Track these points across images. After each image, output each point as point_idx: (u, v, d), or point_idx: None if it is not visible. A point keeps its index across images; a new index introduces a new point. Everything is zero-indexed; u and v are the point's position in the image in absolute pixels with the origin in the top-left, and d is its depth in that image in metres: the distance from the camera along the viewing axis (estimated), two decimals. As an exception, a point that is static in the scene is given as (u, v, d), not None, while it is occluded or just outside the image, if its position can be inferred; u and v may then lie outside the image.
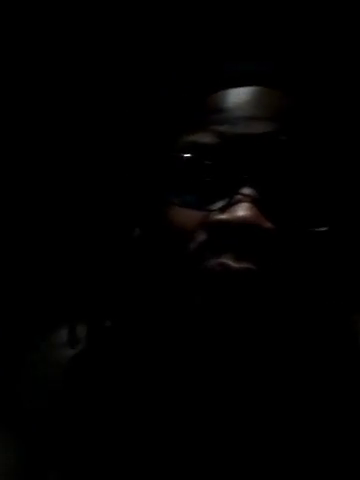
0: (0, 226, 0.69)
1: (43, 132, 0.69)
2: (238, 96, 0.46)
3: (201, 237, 0.42)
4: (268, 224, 0.41)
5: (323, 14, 0.58)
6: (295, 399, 0.45)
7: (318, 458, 0.45)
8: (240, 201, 0.41)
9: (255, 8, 0.56)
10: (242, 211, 0.40)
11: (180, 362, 0.45)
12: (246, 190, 0.42)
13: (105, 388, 0.48)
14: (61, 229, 0.69)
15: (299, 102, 0.46)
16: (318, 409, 0.46)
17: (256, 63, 0.49)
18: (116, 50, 0.65)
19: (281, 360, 0.44)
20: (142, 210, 0.49)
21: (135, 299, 0.49)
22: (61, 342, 0.51)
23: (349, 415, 0.46)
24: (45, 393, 0.49)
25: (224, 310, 0.40)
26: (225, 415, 0.45)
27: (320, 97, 0.48)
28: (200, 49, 0.52)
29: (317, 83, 0.49)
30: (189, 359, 0.44)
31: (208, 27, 0.54)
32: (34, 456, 0.48)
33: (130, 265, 0.50)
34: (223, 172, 0.43)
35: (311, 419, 0.46)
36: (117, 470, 0.46)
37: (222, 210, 0.42)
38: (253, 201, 0.41)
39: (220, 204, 0.42)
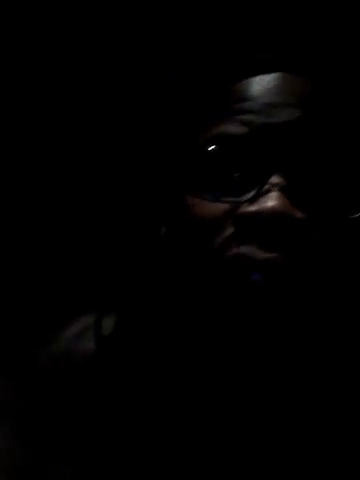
0: (28, 221, 0.69)
1: (67, 132, 0.69)
2: (261, 84, 0.45)
3: (229, 231, 0.41)
4: (299, 214, 0.40)
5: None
6: (309, 396, 0.45)
7: (324, 458, 0.44)
8: (269, 191, 0.40)
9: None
10: (271, 201, 0.40)
11: (206, 353, 0.44)
12: (275, 179, 0.41)
13: (128, 381, 0.48)
14: (89, 226, 0.68)
15: (322, 88, 0.46)
16: (327, 407, 0.45)
17: (277, 50, 0.48)
18: (136, 43, 0.65)
19: (301, 352, 0.43)
20: (168, 207, 0.48)
21: (162, 294, 0.48)
22: (83, 335, 0.50)
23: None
24: (65, 385, 0.48)
25: (249, 301, 0.39)
26: (241, 408, 0.45)
27: (343, 82, 0.47)
28: (221, 40, 0.52)
29: (339, 68, 0.48)
30: (215, 351, 0.43)
31: (229, 17, 0.54)
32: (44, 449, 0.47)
33: (157, 263, 0.49)
34: (250, 162, 0.42)
35: (320, 417, 0.45)
36: (129, 464, 0.45)
37: (251, 201, 0.41)
38: (282, 190, 0.40)
39: (249, 195, 0.41)
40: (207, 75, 0.49)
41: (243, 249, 0.40)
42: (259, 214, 0.40)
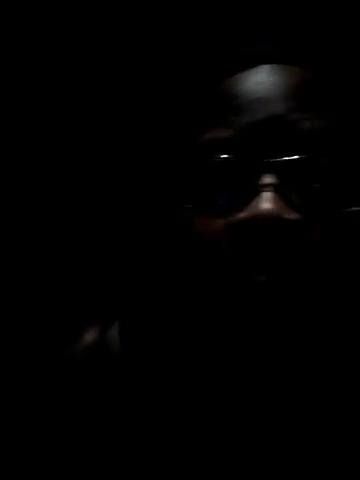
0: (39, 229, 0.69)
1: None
2: (250, 79, 0.43)
3: (227, 246, 0.39)
4: (293, 214, 0.38)
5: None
6: (310, 395, 0.43)
7: (324, 458, 0.43)
8: (261, 192, 0.38)
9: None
10: (263, 204, 0.38)
11: (212, 354, 0.43)
12: (266, 179, 0.39)
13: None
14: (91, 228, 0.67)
15: (319, 74, 0.43)
16: (327, 407, 0.43)
17: (267, 41, 0.45)
18: (121, 48, 0.63)
19: (305, 352, 0.41)
20: (161, 224, 0.47)
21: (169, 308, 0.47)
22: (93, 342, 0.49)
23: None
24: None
25: (254, 304, 0.38)
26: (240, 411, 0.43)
27: (340, 67, 0.44)
28: (204, 39, 0.50)
29: (336, 52, 0.46)
30: (220, 352, 0.42)
31: (210, 16, 0.52)
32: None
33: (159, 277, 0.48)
34: (242, 164, 0.40)
35: (320, 417, 0.43)
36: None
37: (245, 206, 0.39)
38: (274, 189, 0.38)
39: (243, 200, 0.39)
40: (197, 76, 0.47)
41: (244, 255, 0.38)
42: (252, 220, 0.38)
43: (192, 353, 0.44)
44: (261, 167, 0.39)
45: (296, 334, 0.39)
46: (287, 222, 0.38)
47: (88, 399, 0.47)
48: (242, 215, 0.39)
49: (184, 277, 0.43)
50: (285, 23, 0.48)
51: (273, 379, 0.41)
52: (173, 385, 0.45)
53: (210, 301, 0.40)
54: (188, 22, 0.55)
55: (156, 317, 0.48)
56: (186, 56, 0.50)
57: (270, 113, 0.40)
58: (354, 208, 0.39)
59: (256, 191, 0.39)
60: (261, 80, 0.42)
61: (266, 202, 0.38)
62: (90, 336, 0.50)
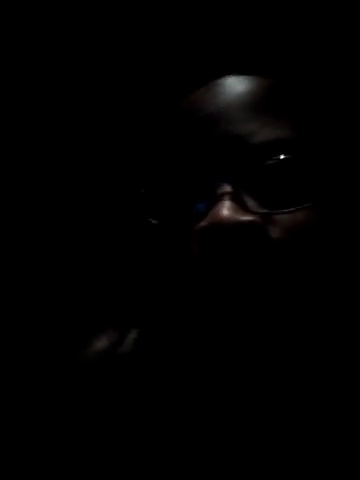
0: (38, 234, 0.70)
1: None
2: (208, 93, 0.45)
3: (194, 252, 0.41)
4: (247, 217, 0.40)
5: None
6: (302, 399, 0.44)
7: (324, 458, 0.43)
8: (218, 201, 0.41)
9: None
10: (219, 211, 0.40)
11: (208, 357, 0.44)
12: (222, 188, 0.41)
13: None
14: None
15: (279, 80, 0.45)
16: (327, 407, 0.44)
17: (226, 53, 0.47)
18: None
19: (299, 352, 0.42)
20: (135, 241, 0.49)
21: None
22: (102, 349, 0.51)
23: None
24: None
25: (229, 331, 0.40)
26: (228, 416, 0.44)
27: (296, 77, 0.46)
28: (167, 53, 0.51)
29: (293, 62, 0.48)
30: (217, 355, 0.43)
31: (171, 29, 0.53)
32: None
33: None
34: (200, 176, 0.43)
35: (320, 417, 0.44)
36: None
37: (203, 216, 0.41)
38: (232, 197, 0.41)
39: (205, 209, 0.42)
40: (158, 91, 0.49)
41: (209, 259, 0.41)
42: (211, 226, 0.40)
43: (185, 358, 0.45)
44: (218, 177, 0.42)
45: (264, 332, 0.40)
46: (243, 224, 0.40)
47: (100, 404, 0.48)
48: (203, 223, 0.41)
49: (157, 283, 0.45)
50: (245, 34, 0.49)
51: (262, 373, 0.42)
52: (177, 389, 0.47)
53: (181, 306, 0.42)
54: (149, 38, 0.56)
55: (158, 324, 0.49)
56: (148, 72, 0.52)
57: (225, 126, 0.42)
58: (306, 205, 0.41)
59: (215, 200, 0.41)
60: (221, 91, 0.44)
61: (223, 209, 0.40)
62: (104, 342, 0.52)
